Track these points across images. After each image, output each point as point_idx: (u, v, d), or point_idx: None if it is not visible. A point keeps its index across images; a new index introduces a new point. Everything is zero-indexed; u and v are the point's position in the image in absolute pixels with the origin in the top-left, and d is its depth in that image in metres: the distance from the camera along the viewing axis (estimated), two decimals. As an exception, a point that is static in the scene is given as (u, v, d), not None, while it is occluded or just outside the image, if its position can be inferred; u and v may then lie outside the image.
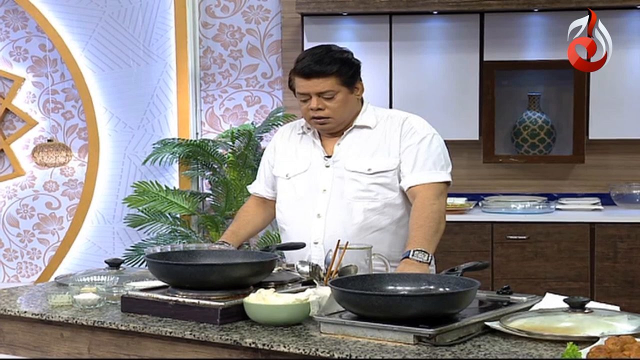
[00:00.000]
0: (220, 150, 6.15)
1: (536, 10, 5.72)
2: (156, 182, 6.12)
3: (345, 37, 5.93)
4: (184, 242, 5.76)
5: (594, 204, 5.80)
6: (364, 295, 2.51)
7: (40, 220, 6.61)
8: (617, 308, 2.71)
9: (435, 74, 5.94)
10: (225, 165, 6.03)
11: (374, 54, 5.90)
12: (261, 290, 2.75)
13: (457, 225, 5.64)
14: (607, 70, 5.69)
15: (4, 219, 6.65)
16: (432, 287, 2.70)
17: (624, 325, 2.54)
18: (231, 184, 5.88)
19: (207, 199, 6.20)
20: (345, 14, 5.86)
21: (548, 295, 2.80)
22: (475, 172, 6.17)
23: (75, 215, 6.45)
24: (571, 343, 2.21)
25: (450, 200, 5.90)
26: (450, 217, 5.61)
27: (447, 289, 2.66)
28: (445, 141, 5.87)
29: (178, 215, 6.10)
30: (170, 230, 6.02)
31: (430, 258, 3.12)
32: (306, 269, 2.87)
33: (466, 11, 5.77)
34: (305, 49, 5.30)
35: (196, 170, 6.20)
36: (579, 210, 5.74)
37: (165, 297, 2.80)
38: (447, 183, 3.43)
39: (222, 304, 2.70)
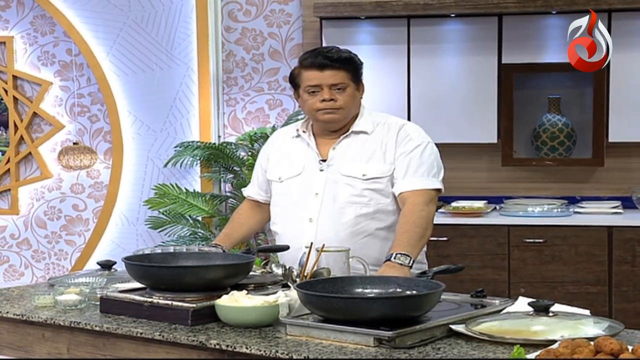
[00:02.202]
0: (242, 153, 6.21)
1: (554, 12, 5.69)
2: (176, 184, 6.20)
3: (364, 40, 5.95)
4: (202, 244, 5.81)
5: (614, 207, 5.75)
6: (325, 298, 2.54)
7: (67, 222, 6.72)
8: (586, 312, 2.70)
9: (453, 77, 5.93)
10: (245, 167, 6.08)
11: (392, 57, 5.92)
12: (234, 292, 2.79)
13: (473, 229, 5.63)
14: (627, 72, 5.70)
15: (32, 221, 6.77)
16: (400, 289, 2.71)
17: (589, 328, 2.54)
18: (250, 186, 5.92)
19: (227, 201, 6.26)
20: (362, 17, 5.88)
21: (520, 299, 2.79)
22: (495, 175, 6.15)
23: (100, 217, 6.55)
24: (518, 346, 2.21)
25: (468, 203, 5.90)
26: (466, 220, 5.67)
27: (413, 292, 2.66)
28: (463, 144, 5.95)
29: (199, 218, 6.17)
30: (191, 233, 6.08)
31: (412, 262, 3.11)
32: (280, 271, 2.90)
33: (484, 14, 5.75)
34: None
35: (216, 173, 6.26)
36: (598, 214, 5.69)
37: (141, 299, 2.85)
38: (438, 190, 3.43)
39: (194, 305, 2.75)
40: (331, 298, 2.53)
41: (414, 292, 2.66)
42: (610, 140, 5.79)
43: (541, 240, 5.56)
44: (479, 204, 5.86)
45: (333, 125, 3.46)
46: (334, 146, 3.47)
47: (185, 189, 6.19)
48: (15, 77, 6.68)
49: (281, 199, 3.52)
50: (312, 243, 2.96)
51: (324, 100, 3.38)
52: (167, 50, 6.43)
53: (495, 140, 5.93)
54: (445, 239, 5.60)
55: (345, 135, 3.46)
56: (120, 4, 6.47)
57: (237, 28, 6.45)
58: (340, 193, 3.38)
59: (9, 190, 6.77)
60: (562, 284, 5.55)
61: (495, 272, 5.62)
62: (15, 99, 6.68)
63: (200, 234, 6.04)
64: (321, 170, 3.44)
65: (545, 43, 5.84)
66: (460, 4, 5.69)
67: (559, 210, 5.72)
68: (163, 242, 6.10)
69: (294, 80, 3.49)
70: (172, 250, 3.26)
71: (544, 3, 5.60)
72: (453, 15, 5.81)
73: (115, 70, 6.49)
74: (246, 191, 3.76)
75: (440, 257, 5.61)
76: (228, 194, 6.31)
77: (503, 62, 5.85)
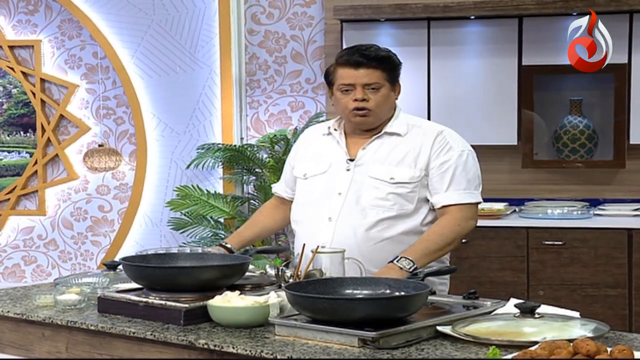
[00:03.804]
0: (263, 155, 6.25)
1: (574, 13, 5.66)
2: (197, 186, 6.26)
3: (384, 42, 5.92)
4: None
5: (636, 209, 5.71)
6: (311, 299, 2.56)
7: (92, 222, 6.81)
8: (576, 314, 2.70)
9: (474, 79, 5.93)
10: (266, 169, 6.12)
11: (412, 59, 5.91)
12: (227, 293, 2.82)
13: (492, 231, 5.62)
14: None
15: (58, 222, 6.86)
16: (389, 291, 2.73)
17: (576, 330, 2.54)
18: (270, 188, 5.96)
19: (248, 202, 6.31)
20: (382, 20, 5.90)
21: (512, 300, 2.80)
22: (516, 177, 6.13)
23: (124, 218, 6.63)
24: (493, 347, 2.22)
25: (489, 205, 5.89)
26: (485, 222, 5.65)
27: (402, 293, 2.68)
28: (484, 146, 5.94)
29: (221, 220, 6.22)
30: (212, 234, 6.13)
31: (414, 268, 3.08)
32: (273, 272, 2.93)
33: (503, 15, 5.75)
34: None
35: (238, 175, 6.31)
36: (618, 216, 5.65)
37: (136, 299, 2.89)
38: (479, 202, 3.42)
39: (187, 305, 2.79)
40: (316, 299, 2.56)
41: (402, 293, 2.68)
42: (631, 142, 5.76)
43: (560, 243, 5.54)
44: (499, 206, 5.85)
45: (365, 126, 3.41)
46: (364, 146, 3.41)
47: (207, 191, 6.25)
48: (42, 80, 6.78)
49: (303, 196, 3.48)
50: (304, 244, 2.98)
51: (356, 100, 3.33)
52: (191, 53, 6.49)
53: (515, 142, 5.92)
54: (464, 240, 5.57)
55: (377, 135, 3.41)
56: (144, 8, 6.54)
57: (260, 31, 6.50)
58: (365, 194, 3.33)
59: (37, 191, 6.87)
60: (581, 286, 5.52)
61: (514, 274, 5.61)
62: (42, 101, 6.78)
63: (221, 235, 6.09)
64: (347, 170, 3.39)
65: (566, 44, 5.75)
66: (480, 6, 5.69)
67: (579, 212, 5.69)
68: (184, 243, 6.16)
69: (328, 77, 3.44)
70: (174, 251, 3.30)
71: (564, 4, 5.58)
72: (472, 17, 5.81)
73: (139, 72, 6.57)
74: (274, 187, 3.73)
75: (459, 259, 5.60)
76: (249, 196, 6.35)
77: (523, 63, 5.84)
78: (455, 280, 5.52)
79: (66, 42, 6.77)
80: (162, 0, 6.51)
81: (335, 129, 3.49)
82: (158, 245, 6.51)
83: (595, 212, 5.74)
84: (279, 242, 6.04)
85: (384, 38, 5.98)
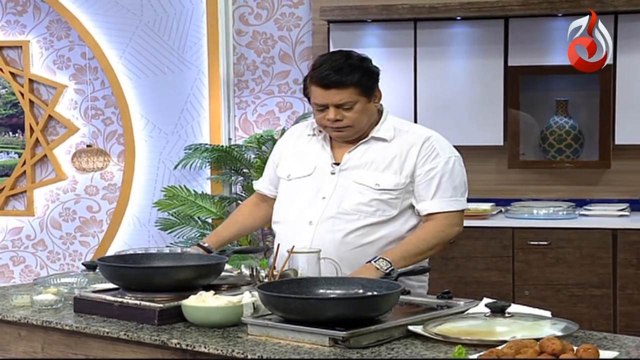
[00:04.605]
0: (251, 155, 6.26)
1: (560, 14, 5.68)
2: (185, 186, 6.27)
3: (370, 43, 5.99)
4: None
5: (621, 210, 5.73)
6: (282, 298, 2.58)
7: (81, 223, 6.82)
8: (547, 313, 2.71)
9: (460, 80, 5.94)
10: (254, 170, 6.14)
11: (399, 59, 5.94)
12: (202, 292, 2.83)
13: (477, 231, 5.63)
14: (633, 74, 5.68)
15: (47, 222, 6.87)
16: (361, 290, 2.74)
17: (547, 329, 2.55)
18: (257, 189, 5.98)
19: (236, 203, 6.31)
20: (369, 20, 5.92)
21: (485, 300, 2.81)
22: (503, 177, 6.15)
23: (113, 218, 6.64)
24: (460, 346, 2.24)
25: (475, 205, 5.89)
26: (471, 223, 5.66)
27: (374, 293, 2.69)
28: (470, 146, 5.95)
29: (209, 220, 6.23)
30: (200, 234, 6.14)
31: (390, 270, 3.06)
32: (248, 272, 2.95)
33: (489, 16, 5.76)
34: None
35: (225, 175, 6.32)
36: (603, 216, 5.66)
37: (112, 299, 2.90)
38: (464, 210, 3.41)
39: (161, 305, 2.80)
40: (287, 298, 2.57)
41: (375, 293, 2.69)
42: (616, 142, 5.77)
43: (546, 243, 5.56)
44: (485, 206, 5.86)
45: (345, 139, 3.36)
46: (351, 150, 3.36)
47: (194, 191, 6.26)
48: (31, 81, 6.79)
49: (286, 197, 3.44)
50: (279, 244, 2.99)
51: (329, 119, 3.28)
52: (179, 54, 6.51)
53: (502, 143, 5.94)
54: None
55: (364, 140, 3.36)
56: (132, 8, 6.55)
57: (248, 31, 6.51)
58: (348, 199, 3.30)
59: (25, 192, 6.87)
60: (566, 286, 5.54)
61: (500, 274, 5.62)
62: (31, 102, 6.79)
63: (208, 235, 6.09)
64: (332, 174, 3.35)
65: (551, 45, 5.83)
66: (466, 7, 5.71)
67: (565, 212, 5.71)
68: (172, 244, 6.17)
69: (305, 90, 3.37)
70: (154, 251, 3.31)
71: (549, 5, 5.59)
72: (459, 18, 5.82)
73: (127, 73, 6.58)
74: (256, 184, 3.69)
75: (445, 259, 5.63)
76: (237, 196, 6.36)
77: (509, 64, 5.86)
78: (441, 280, 5.59)
79: (55, 42, 6.77)
80: (150, 1, 6.53)
81: (320, 131, 3.44)
82: (146, 246, 6.52)
83: (581, 213, 5.75)
84: (267, 242, 6.04)
85: (371, 39, 6.01)
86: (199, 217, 6.18)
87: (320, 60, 3.33)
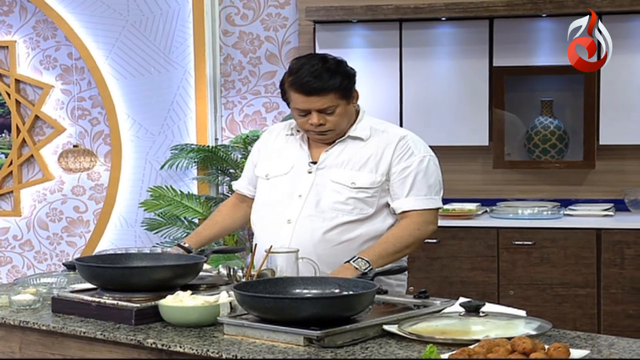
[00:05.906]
0: (237, 155, 6.27)
1: (544, 15, 5.70)
2: (171, 186, 6.28)
3: (356, 43, 6.00)
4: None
5: (605, 209, 5.74)
6: (257, 298, 2.59)
7: (68, 223, 6.82)
8: (522, 312, 2.73)
9: (445, 80, 5.96)
10: (240, 170, 6.14)
11: (384, 60, 5.96)
12: (179, 292, 2.84)
13: (462, 231, 5.65)
14: (617, 75, 5.70)
15: (34, 222, 6.87)
16: (338, 290, 2.75)
17: (520, 328, 2.57)
18: (243, 189, 5.99)
19: (221, 203, 6.32)
20: (354, 21, 5.93)
21: (461, 299, 2.83)
22: (488, 177, 6.16)
23: (99, 218, 6.64)
24: (431, 345, 2.25)
25: (460, 205, 5.91)
26: (456, 223, 5.69)
27: (350, 292, 2.70)
28: (455, 146, 5.97)
29: (195, 220, 6.24)
30: (186, 234, 6.14)
31: (369, 269, 3.09)
32: (225, 271, 2.96)
33: (474, 17, 5.78)
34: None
35: (211, 176, 6.33)
36: (588, 216, 5.68)
37: (89, 299, 2.91)
38: (439, 208, 3.43)
39: (138, 305, 2.80)
40: (262, 298, 2.58)
41: (351, 292, 2.70)
42: (601, 142, 5.79)
43: (530, 243, 5.57)
44: (471, 206, 5.87)
45: (326, 141, 3.39)
46: (328, 149, 3.39)
47: (180, 191, 6.27)
48: (17, 81, 6.79)
49: (264, 196, 3.46)
50: (256, 244, 3.01)
51: (312, 124, 3.30)
52: (165, 54, 6.51)
53: (487, 143, 5.96)
54: (435, 241, 5.62)
55: (340, 140, 3.40)
56: (119, 9, 6.56)
57: (234, 32, 6.52)
58: (325, 198, 3.33)
59: (12, 192, 6.88)
60: (551, 286, 5.56)
61: (485, 274, 5.64)
62: (17, 102, 6.79)
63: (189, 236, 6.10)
64: (309, 173, 3.38)
65: (536, 46, 5.86)
66: (451, 7, 5.73)
67: (549, 212, 5.73)
68: (158, 244, 6.18)
69: (284, 95, 3.37)
70: (134, 251, 3.32)
71: (533, 6, 5.61)
72: (444, 18, 5.84)
73: (114, 73, 6.58)
74: (235, 184, 3.71)
75: (429, 259, 5.65)
76: (223, 196, 6.37)
77: (494, 65, 5.87)
78: (426, 280, 5.61)
79: (41, 42, 6.78)
80: (137, 1, 6.53)
81: (298, 130, 3.47)
82: (133, 246, 6.52)
83: (566, 213, 5.77)
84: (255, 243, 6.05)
85: (356, 39, 6.02)
86: (185, 218, 6.19)
87: (296, 65, 3.33)
